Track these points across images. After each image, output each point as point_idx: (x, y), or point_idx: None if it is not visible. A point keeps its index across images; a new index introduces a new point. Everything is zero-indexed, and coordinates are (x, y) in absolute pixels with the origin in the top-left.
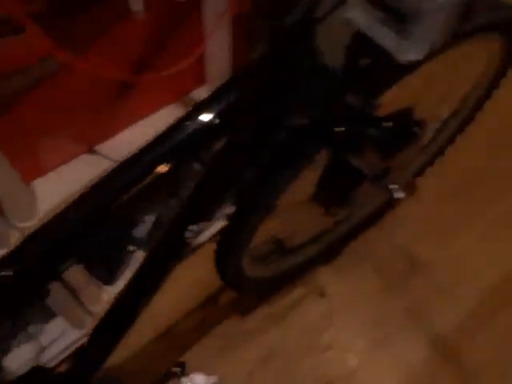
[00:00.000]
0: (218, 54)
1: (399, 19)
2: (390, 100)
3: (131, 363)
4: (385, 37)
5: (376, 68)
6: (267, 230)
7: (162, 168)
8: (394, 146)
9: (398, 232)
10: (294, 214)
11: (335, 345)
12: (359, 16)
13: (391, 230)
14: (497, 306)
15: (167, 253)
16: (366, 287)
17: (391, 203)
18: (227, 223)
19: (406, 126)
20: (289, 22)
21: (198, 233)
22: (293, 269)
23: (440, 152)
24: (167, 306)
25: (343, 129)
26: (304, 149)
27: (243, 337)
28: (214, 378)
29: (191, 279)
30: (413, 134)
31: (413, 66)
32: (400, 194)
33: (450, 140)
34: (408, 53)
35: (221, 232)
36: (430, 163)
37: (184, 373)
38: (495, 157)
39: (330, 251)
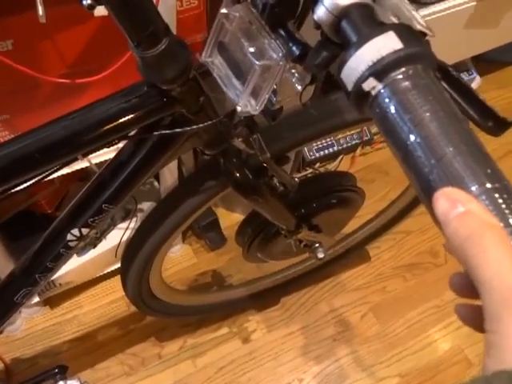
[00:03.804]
0: None
1: (241, 73)
2: None
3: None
4: (231, 86)
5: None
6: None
7: None
8: (310, 204)
9: (340, 296)
10: None
11: None
12: (216, 61)
13: (334, 292)
14: None
15: (48, 252)
16: (289, 344)
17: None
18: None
19: (329, 188)
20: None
21: (82, 238)
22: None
23: (387, 226)
24: (94, 312)
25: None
26: (206, 182)
27: (157, 362)
28: None
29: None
30: (339, 198)
31: None
32: (321, 254)
33: (400, 216)
34: (243, 105)
35: (125, 246)
36: (379, 234)
37: (63, 376)
38: None
39: (260, 297)
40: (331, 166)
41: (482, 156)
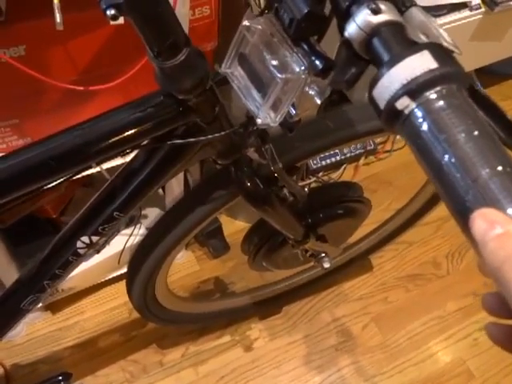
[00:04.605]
0: None
1: (262, 85)
2: None
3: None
4: (250, 98)
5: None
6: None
7: None
8: (317, 214)
9: (342, 306)
10: None
11: None
12: (236, 73)
13: (336, 302)
14: None
15: (58, 259)
16: (292, 353)
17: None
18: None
19: (336, 199)
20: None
21: (91, 246)
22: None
23: (391, 237)
24: (95, 318)
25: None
26: (216, 191)
27: (158, 369)
28: None
29: (125, 299)
30: (346, 208)
31: None
32: (327, 264)
33: (403, 227)
34: (263, 117)
35: (132, 253)
36: (383, 244)
37: (66, 383)
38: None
39: (262, 306)
40: (334, 175)
41: None
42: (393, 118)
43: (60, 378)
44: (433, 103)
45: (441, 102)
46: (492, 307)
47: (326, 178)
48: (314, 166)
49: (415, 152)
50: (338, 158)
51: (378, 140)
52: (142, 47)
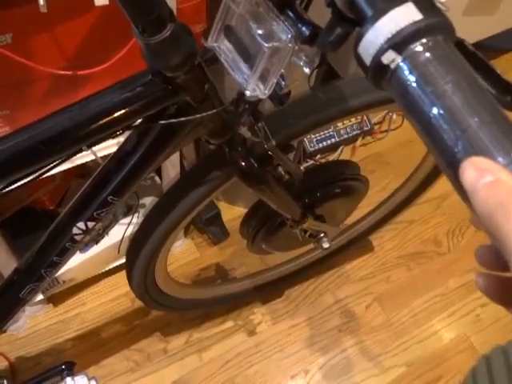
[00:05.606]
0: None
1: (249, 56)
2: None
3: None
4: (238, 71)
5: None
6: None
7: None
8: (314, 193)
9: (345, 287)
10: None
11: None
12: (222, 46)
13: (338, 283)
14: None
15: (54, 247)
16: (295, 336)
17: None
18: (135, 232)
19: (333, 178)
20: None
21: (88, 232)
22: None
23: (390, 216)
24: (97, 309)
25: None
26: (211, 172)
27: (162, 357)
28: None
29: (126, 289)
30: (343, 187)
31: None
32: (326, 244)
33: (403, 205)
34: (252, 89)
35: (130, 240)
36: (381, 224)
37: (70, 372)
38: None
39: (263, 290)
40: (332, 158)
41: (506, 126)
42: (380, 74)
43: (63, 367)
44: (419, 56)
45: (427, 54)
46: (483, 258)
47: (323, 160)
48: (311, 149)
49: (404, 107)
50: (334, 139)
51: (375, 120)
52: (129, 31)
